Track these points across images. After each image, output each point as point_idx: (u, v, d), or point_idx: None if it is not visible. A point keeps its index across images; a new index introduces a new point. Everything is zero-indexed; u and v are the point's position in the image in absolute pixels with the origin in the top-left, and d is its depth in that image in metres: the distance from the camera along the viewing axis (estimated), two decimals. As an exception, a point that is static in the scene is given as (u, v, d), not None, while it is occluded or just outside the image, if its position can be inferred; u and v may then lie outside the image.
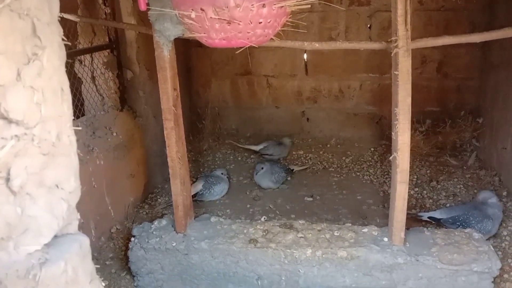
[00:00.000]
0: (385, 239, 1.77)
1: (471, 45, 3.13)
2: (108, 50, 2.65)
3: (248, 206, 2.73)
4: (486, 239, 2.17)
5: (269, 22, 1.53)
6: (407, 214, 2.41)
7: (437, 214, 2.31)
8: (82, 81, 2.78)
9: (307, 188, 2.96)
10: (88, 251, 1.07)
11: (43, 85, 0.90)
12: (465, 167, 3.08)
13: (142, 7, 1.52)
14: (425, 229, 1.86)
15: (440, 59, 3.44)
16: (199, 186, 2.71)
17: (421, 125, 3.36)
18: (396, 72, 1.52)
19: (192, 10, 1.47)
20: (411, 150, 3.25)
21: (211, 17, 1.45)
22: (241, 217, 2.58)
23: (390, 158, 1.66)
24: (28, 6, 0.85)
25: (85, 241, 1.07)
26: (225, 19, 1.45)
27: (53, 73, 0.94)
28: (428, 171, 3.05)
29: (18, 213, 0.89)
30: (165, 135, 1.74)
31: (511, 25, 2.68)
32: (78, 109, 2.55)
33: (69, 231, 1.05)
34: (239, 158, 3.50)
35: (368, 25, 3.45)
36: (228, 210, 2.68)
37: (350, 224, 1.94)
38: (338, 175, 3.14)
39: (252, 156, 3.52)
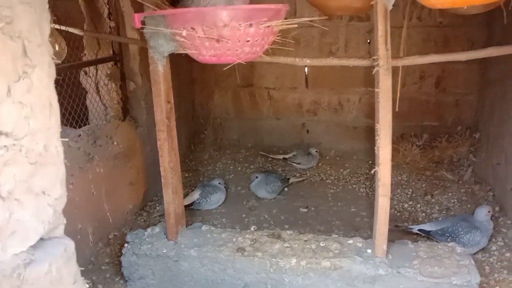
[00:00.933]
0: (369, 250, 1.81)
1: (469, 60, 3.16)
2: (112, 62, 2.75)
3: (244, 215, 2.79)
4: (475, 252, 2.21)
5: (256, 41, 1.60)
6: (398, 226, 2.48)
7: (426, 227, 2.36)
8: (87, 92, 2.89)
9: (303, 199, 3.01)
10: (73, 254, 1.15)
11: (32, 101, 0.99)
12: (460, 182, 3.11)
13: (137, 25, 1.61)
14: (409, 242, 1.90)
15: (439, 74, 3.49)
16: (196, 195, 2.78)
17: (418, 139, 3.40)
18: (377, 90, 1.59)
19: (183, 28, 1.56)
20: (407, 164, 3.33)
21: (200, 36, 1.54)
22: (235, 226, 2.64)
23: (372, 172, 1.71)
24: (19, 29, 0.94)
25: (70, 244, 1.14)
26: (213, 38, 1.53)
27: (42, 90, 1.02)
28: (423, 185, 3.08)
29: (6, 217, 0.96)
30: (158, 145, 1.82)
31: (507, 41, 2.74)
32: (81, 119, 2.66)
33: (55, 234, 1.13)
34: (239, 169, 3.57)
35: (368, 41, 3.52)
36: (224, 219, 2.74)
37: (336, 235, 1.99)
38: (334, 187, 3.19)
39: (251, 166, 3.59)
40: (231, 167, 3.60)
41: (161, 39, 1.68)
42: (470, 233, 2.15)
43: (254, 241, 1.91)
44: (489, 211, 2.26)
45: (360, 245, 1.86)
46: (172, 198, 1.88)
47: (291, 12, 3.55)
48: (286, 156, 3.58)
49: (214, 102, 3.95)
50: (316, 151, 3.53)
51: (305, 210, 2.86)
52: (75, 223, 2.19)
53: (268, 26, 1.59)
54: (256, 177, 2.95)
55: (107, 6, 2.68)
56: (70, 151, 2.30)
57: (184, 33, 1.56)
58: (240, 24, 1.51)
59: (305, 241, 1.91)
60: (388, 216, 1.74)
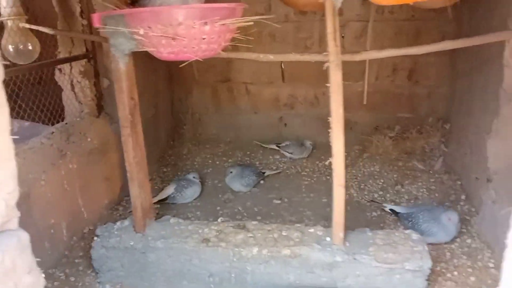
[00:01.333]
0: (328, 238, 1.89)
1: (439, 53, 3.25)
2: (85, 60, 2.79)
3: (218, 208, 2.85)
4: (434, 243, 2.27)
5: (212, 38, 1.66)
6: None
7: (397, 208, 2.50)
8: (62, 89, 2.94)
9: (278, 191, 3.08)
10: (27, 245, 1.20)
11: (-21, 100, 1.04)
12: (431, 172, 3.19)
13: (95, 24, 1.66)
14: (367, 229, 1.98)
15: (411, 67, 3.56)
16: (170, 189, 2.84)
17: (391, 130, 3.48)
18: (328, 85, 1.65)
19: (141, 27, 1.61)
20: (380, 155, 3.41)
21: (156, 34, 1.59)
22: (209, 219, 2.70)
23: (326, 162, 1.78)
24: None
25: (24, 236, 1.20)
26: (169, 36, 1.58)
27: (-12, 89, 1.07)
28: (395, 175, 3.16)
29: (-44, 210, 1.01)
30: (122, 141, 1.88)
31: (474, 33, 2.82)
32: (53, 116, 2.72)
33: (9, 227, 1.18)
34: (217, 163, 3.63)
35: (342, 35, 3.58)
36: (198, 212, 2.81)
37: (299, 225, 2.06)
38: (309, 179, 3.26)
39: (230, 160, 3.65)
40: (210, 161, 3.66)
41: (121, 37, 1.73)
42: (428, 222, 2.22)
43: (219, 232, 1.98)
44: (449, 219, 2.24)
45: (320, 234, 1.93)
46: (138, 192, 1.94)
47: (266, 7, 3.60)
48: (279, 145, 3.67)
49: (193, 97, 4.00)
50: (310, 144, 3.61)
51: (279, 201, 2.93)
52: (47, 218, 2.24)
53: (223, 24, 1.65)
54: (231, 171, 3.02)
55: (79, 4, 2.72)
56: (43, 148, 2.34)
57: (141, 31, 1.62)
58: (194, 23, 1.57)
59: (268, 230, 1.97)
60: (343, 205, 1.82)
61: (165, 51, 1.66)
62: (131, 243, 1.95)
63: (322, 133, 3.84)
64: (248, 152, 3.78)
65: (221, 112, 4.00)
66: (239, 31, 1.83)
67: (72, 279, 2.14)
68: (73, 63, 2.81)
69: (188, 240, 1.93)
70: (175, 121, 4.01)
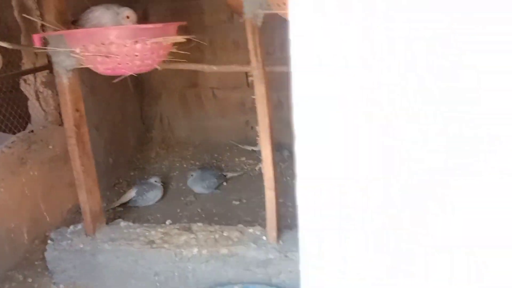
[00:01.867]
0: (264, 238, 2.03)
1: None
2: (47, 71, 2.91)
3: (178, 210, 2.98)
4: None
5: (145, 55, 1.79)
6: None
7: None
8: (27, 99, 3.06)
9: (238, 192, 3.21)
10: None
11: None
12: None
13: (36, 44, 1.78)
14: (302, 229, 2.12)
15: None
16: (132, 193, 2.97)
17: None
18: (253, 97, 1.79)
19: (77, 46, 1.74)
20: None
21: (91, 53, 1.72)
22: (168, 220, 2.83)
23: (257, 168, 1.92)
24: None
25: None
26: (103, 54, 1.71)
27: None
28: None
29: None
30: (69, 150, 2.00)
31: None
32: (19, 125, 2.84)
33: None
34: (185, 166, 3.76)
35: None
36: (158, 215, 2.93)
37: (241, 225, 2.20)
38: (270, 180, 3.40)
39: (197, 163, 3.78)
40: (177, 165, 3.78)
41: (62, 55, 1.86)
42: None
43: (165, 234, 2.11)
44: None
45: (258, 233, 2.07)
46: (86, 198, 2.07)
47: (229, 15, 3.73)
48: (254, 149, 3.73)
49: (162, 102, 4.13)
50: (288, 150, 3.72)
51: (237, 202, 3.06)
52: (7, 222, 2.37)
53: (156, 42, 1.78)
54: (192, 174, 3.15)
55: (40, 18, 2.84)
56: (3, 156, 2.46)
57: (77, 50, 1.74)
58: (125, 42, 1.70)
59: (211, 231, 2.11)
60: (274, 206, 1.95)
61: (101, 67, 1.78)
62: (81, 246, 2.08)
63: (285, 135, 3.99)
64: (215, 155, 3.91)
65: (190, 117, 4.13)
66: (176, 46, 1.96)
67: (30, 280, 2.26)
68: (37, 74, 2.93)
69: (134, 242, 2.06)
70: (145, 126, 4.14)
